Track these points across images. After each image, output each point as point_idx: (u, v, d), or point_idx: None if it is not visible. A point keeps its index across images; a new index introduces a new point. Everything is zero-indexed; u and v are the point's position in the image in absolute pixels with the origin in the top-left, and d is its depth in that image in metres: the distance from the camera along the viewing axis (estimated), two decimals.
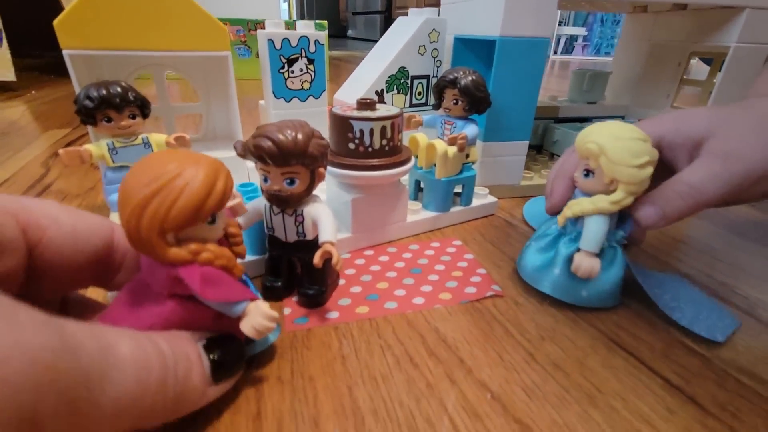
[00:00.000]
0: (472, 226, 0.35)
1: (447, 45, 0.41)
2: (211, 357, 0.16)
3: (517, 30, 0.34)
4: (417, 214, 0.33)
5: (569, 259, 0.24)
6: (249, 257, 0.26)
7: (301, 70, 0.33)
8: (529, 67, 0.35)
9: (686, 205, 0.22)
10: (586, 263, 0.23)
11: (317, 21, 1.20)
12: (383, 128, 0.28)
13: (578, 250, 0.24)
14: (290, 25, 1.04)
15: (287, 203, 0.22)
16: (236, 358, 0.17)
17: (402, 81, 0.38)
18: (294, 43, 0.32)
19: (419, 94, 0.40)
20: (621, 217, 0.24)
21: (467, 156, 0.34)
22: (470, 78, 0.32)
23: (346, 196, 0.29)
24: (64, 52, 0.25)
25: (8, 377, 0.10)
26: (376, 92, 0.38)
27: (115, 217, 0.27)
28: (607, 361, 0.21)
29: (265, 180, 0.21)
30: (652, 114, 0.49)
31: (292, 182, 0.21)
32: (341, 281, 0.27)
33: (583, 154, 0.23)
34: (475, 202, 0.36)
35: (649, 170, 0.22)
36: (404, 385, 0.19)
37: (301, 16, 4.55)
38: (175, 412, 0.15)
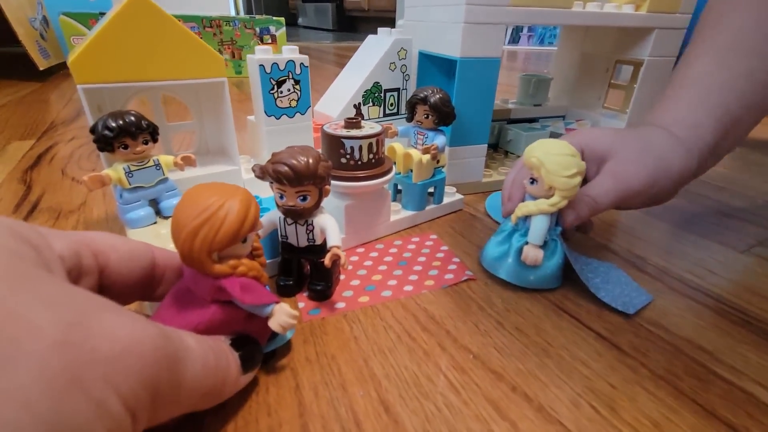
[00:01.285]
0: (444, 221, 0.41)
1: (413, 59, 0.46)
2: (240, 353, 0.20)
3: (474, 52, 0.39)
4: (398, 213, 0.39)
5: (519, 251, 0.30)
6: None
7: (289, 90, 0.37)
8: (485, 82, 0.41)
9: (590, 211, 0.30)
10: (531, 254, 0.29)
11: (275, 18, 1.20)
12: (370, 144, 0.32)
13: (527, 243, 0.30)
14: (247, 22, 1.04)
15: (300, 216, 0.26)
16: (257, 353, 0.21)
17: (376, 94, 0.43)
18: (282, 66, 0.35)
19: (391, 105, 0.45)
20: (559, 216, 0.31)
21: (438, 161, 0.40)
22: (438, 96, 0.37)
23: (340, 202, 0.34)
24: (79, 87, 0.28)
25: (144, 353, 0.13)
26: (354, 105, 0.42)
27: (132, 234, 0.30)
28: (556, 323, 0.28)
29: (281, 197, 0.25)
30: (587, 114, 0.57)
31: (304, 199, 0.25)
32: (342, 276, 0.32)
33: (528, 166, 0.29)
34: (446, 200, 0.42)
35: (578, 179, 0.28)
36: (407, 354, 0.25)
37: (248, 6, 4.38)
38: (223, 394, 0.19)
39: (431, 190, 0.41)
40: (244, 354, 0.20)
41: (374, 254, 0.36)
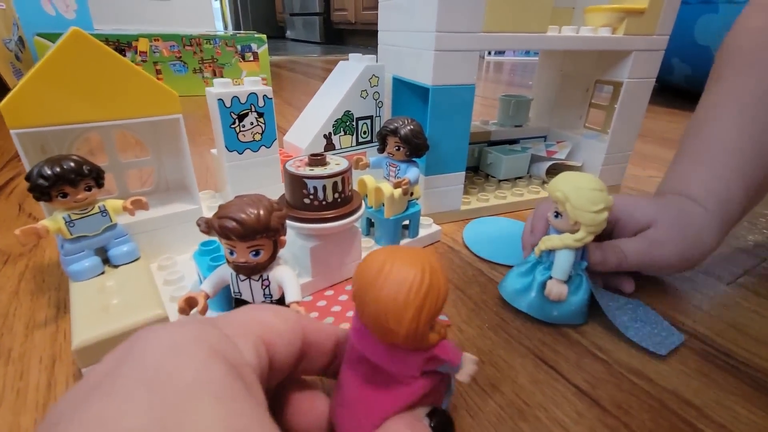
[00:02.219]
0: None
1: (386, 84, 0.44)
2: (432, 424, 0.18)
3: (447, 79, 0.38)
4: (371, 250, 0.37)
5: (543, 285, 0.29)
6: (217, 312, 0.28)
7: (252, 123, 0.35)
8: (459, 109, 0.40)
9: (617, 262, 0.31)
10: (555, 289, 0.28)
11: (256, 35, 1.19)
12: (335, 183, 0.30)
13: (551, 277, 0.29)
14: (228, 39, 1.02)
15: (254, 271, 0.24)
16: (450, 425, 0.19)
17: (348, 123, 0.41)
18: (243, 100, 0.33)
19: (364, 133, 0.43)
20: (585, 251, 0.30)
21: (411, 194, 0.38)
22: (409, 128, 0.35)
23: (305, 243, 0.32)
24: (12, 132, 0.26)
25: None
26: (324, 135, 0.40)
27: (76, 287, 0.28)
28: (533, 376, 0.26)
29: (231, 253, 0.23)
30: (567, 135, 0.56)
31: (257, 254, 0.23)
32: None
33: (553, 200, 0.28)
34: (422, 232, 0.40)
35: (605, 214, 0.27)
36: None
37: (236, 19, 4.39)
38: None
39: (406, 222, 0.39)
40: (439, 426, 0.18)
41: (343, 297, 0.33)
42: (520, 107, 0.56)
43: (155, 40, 1.09)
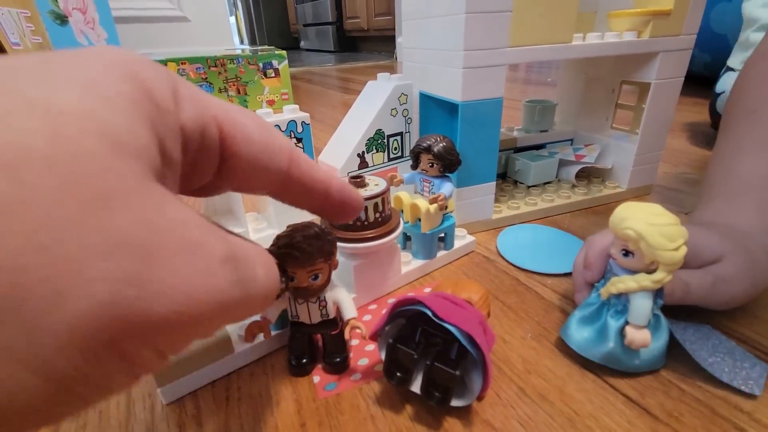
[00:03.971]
0: (456, 266, 0.40)
1: (414, 101, 0.46)
2: None
3: (475, 95, 0.39)
4: (409, 264, 0.38)
5: (620, 333, 0.27)
6: (273, 332, 0.30)
7: None
8: (488, 122, 0.41)
9: (681, 297, 0.28)
10: (638, 337, 0.26)
11: (277, 51, 1.22)
12: (376, 204, 0.32)
13: (626, 323, 0.26)
14: (251, 58, 1.05)
15: (313, 294, 0.26)
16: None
17: (379, 141, 0.43)
18: (284, 128, 0.35)
19: (395, 149, 0.45)
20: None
21: (446, 207, 0.39)
22: (442, 145, 0.36)
23: (348, 262, 0.33)
24: None
25: (199, 318, 0.11)
26: (358, 155, 0.42)
27: None
28: (580, 385, 0.27)
29: (292, 279, 0.25)
30: (595, 137, 0.56)
31: (316, 278, 0.25)
32: (355, 341, 0.31)
33: (620, 237, 0.26)
34: (457, 243, 0.41)
35: (684, 250, 0.24)
36: None
37: (252, 33, 4.50)
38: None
39: (442, 235, 0.40)
40: None
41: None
42: (545, 112, 0.57)
43: (182, 63, 1.14)
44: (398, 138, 0.44)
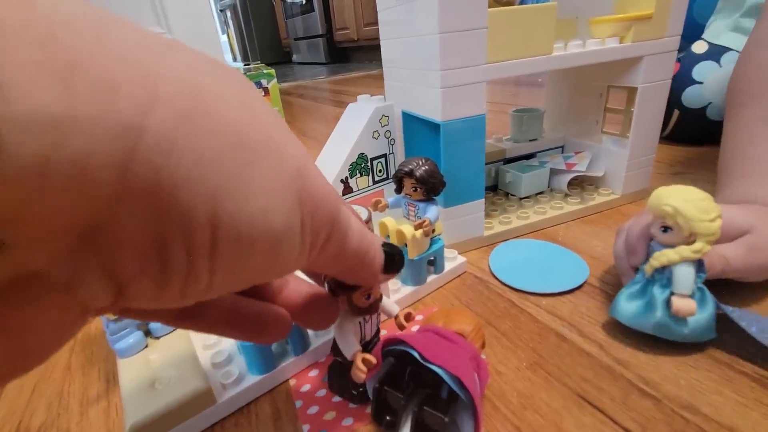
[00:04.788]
0: (447, 290, 0.39)
1: (396, 121, 0.45)
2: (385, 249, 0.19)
3: (456, 113, 0.38)
4: (398, 292, 0.37)
5: (666, 303, 0.28)
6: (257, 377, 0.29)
7: None
8: (472, 139, 0.40)
9: (721, 270, 0.30)
10: (684, 305, 0.27)
11: (266, 70, 1.22)
12: None
13: (671, 294, 0.28)
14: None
15: (376, 309, 0.24)
16: (400, 259, 0.20)
17: (363, 165, 0.42)
18: None
19: (380, 171, 0.44)
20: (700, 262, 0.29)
21: (433, 231, 0.38)
22: (424, 168, 0.35)
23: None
24: None
25: (335, 201, 0.15)
26: (341, 180, 0.41)
27: (123, 363, 0.29)
28: (578, 419, 0.25)
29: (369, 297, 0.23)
30: (585, 143, 0.55)
31: (369, 296, 0.23)
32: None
33: (658, 214, 0.28)
34: (447, 266, 0.40)
35: (719, 222, 0.27)
36: None
37: (244, 49, 4.53)
38: (366, 280, 0.20)
39: (431, 258, 0.39)
40: (389, 254, 0.20)
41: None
42: (533, 121, 0.56)
43: None
44: (382, 160, 0.43)
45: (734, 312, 0.28)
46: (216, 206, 0.10)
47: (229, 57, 5.71)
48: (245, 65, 1.38)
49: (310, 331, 0.32)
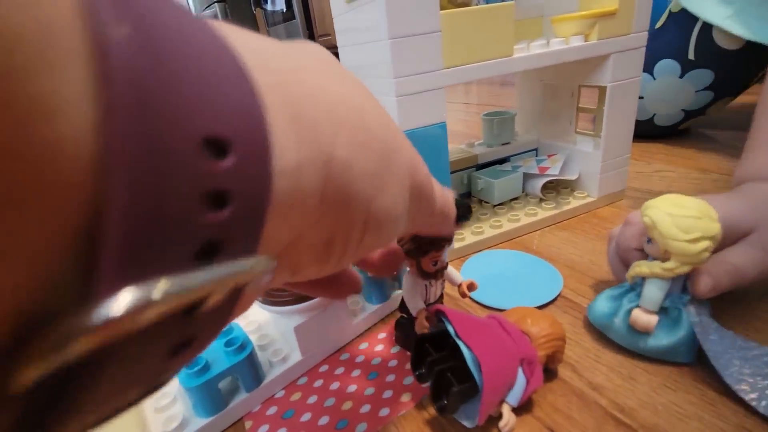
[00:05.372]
0: None
1: None
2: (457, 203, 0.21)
3: (415, 122, 0.36)
4: (362, 311, 0.35)
5: (629, 312, 0.27)
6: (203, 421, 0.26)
7: None
8: (434, 149, 0.38)
9: (731, 282, 0.27)
10: (641, 319, 0.26)
11: None
12: None
13: (638, 306, 0.27)
14: None
15: (442, 274, 0.28)
16: (468, 212, 0.23)
17: None
18: None
19: None
20: (686, 282, 0.27)
21: None
22: None
23: (288, 322, 0.30)
24: None
25: (422, 169, 0.16)
26: None
27: None
28: None
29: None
30: (559, 144, 0.53)
31: (435, 263, 0.27)
32: (306, 417, 0.27)
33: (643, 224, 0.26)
34: None
35: (703, 244, 0.24)
36: None
37: None
38: (442, 229, 0.22)
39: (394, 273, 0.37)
40: (461, 209, 0.22)
41: (340, 370, 0.31)
42: (503, 124, 0.54)
43: None
44: None
45: (710, 351, 0.25)
46: (369, 206, 0.13)
47: None
48: None
49: (263, 363, 0.30)
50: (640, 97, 0.60)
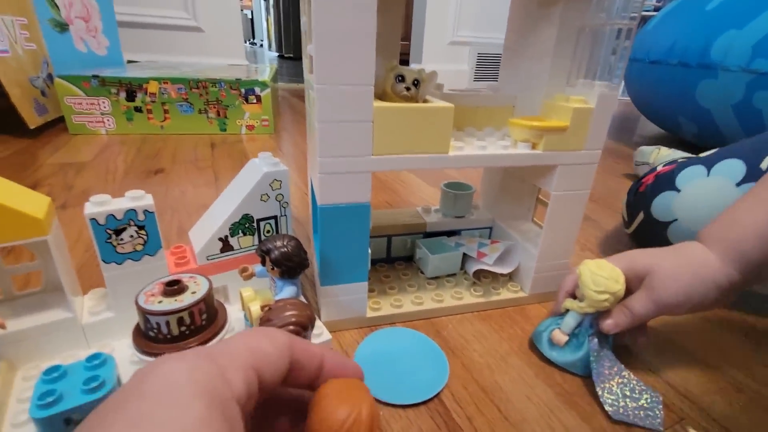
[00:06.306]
0: None
1: (293, 186, 0.44)
2: None
3: (336, 199, 0.37)
4: None
5: (551, 331, 0.40)
6: None
7: (132, 236, 0.35)
8: (354, 226, 0.39)
9: (626, 320, 0.36)
10: (555, 335, 0.39)
11: (260, 79, 1.23)
12: (180, 318, 0.30)
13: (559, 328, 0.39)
14: (233, 83, 1.05)
15: None
16: None
17: (246, 225, 0.41)
18: (120, 216, 0.34)
19: (268, 231, 0.43)
20: (593, 320, 0.38)
21: None
22: (282, 250, 0.35)
23: None
24: None
25: None
26: (220, 239, 0.40)
27: None
28: None
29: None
30: (512, 232, 0.53)
31: None
32: None
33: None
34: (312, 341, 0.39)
35: (604, 297, 0.35)
36: None
37: (279, 39, 4.61)
38: None
39: None
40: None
41: None
42: (461, 199, 0.54)
43: (164, 83, 1.16)
44: (272, 221, 0.43)
45: (594, 370, 0.35)
46: None
47: (266, 43, 5.80)
48: (237, 79, 1.38)
49: None
50: (676, 190, 0.53)
